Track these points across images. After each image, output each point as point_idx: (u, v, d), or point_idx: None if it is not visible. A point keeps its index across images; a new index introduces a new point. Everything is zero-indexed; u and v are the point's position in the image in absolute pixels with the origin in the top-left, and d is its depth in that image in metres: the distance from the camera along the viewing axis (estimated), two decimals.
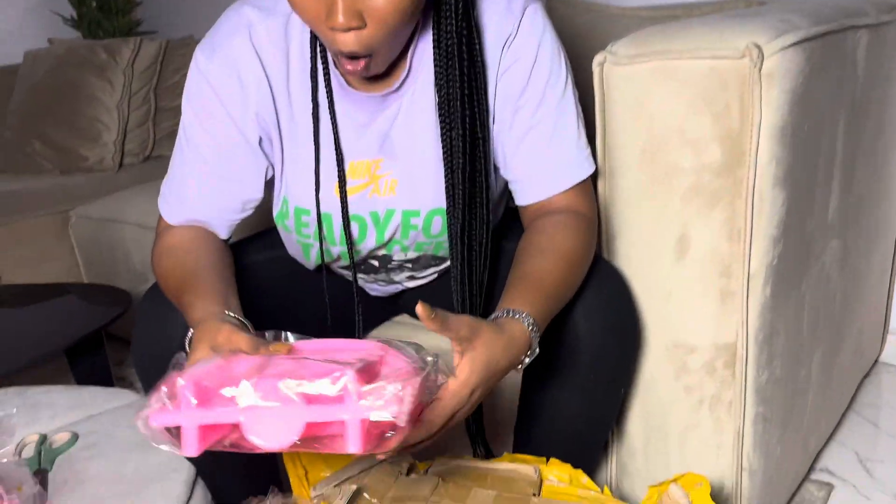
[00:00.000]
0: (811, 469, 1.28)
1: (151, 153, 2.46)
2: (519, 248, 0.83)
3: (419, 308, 0.61)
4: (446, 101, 0.80)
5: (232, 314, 0.74)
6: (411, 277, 1.00)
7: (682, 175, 0.84)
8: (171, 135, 2.48)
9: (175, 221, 0.90)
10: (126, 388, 1.12)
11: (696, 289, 0.88)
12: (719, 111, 0.80)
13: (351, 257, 0.90)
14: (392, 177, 0.87)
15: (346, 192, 0.86)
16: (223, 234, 0.91)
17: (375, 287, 1.03)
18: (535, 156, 0.85)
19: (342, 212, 0.87)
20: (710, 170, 0.83)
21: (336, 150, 0.85)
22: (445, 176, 0.83)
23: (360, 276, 1.00)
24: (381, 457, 0.64)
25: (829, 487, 1.24)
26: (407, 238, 0.91)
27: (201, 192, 0.88)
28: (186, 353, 0.70)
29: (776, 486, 1.07)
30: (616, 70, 0.86)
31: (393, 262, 0.95)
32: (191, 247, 0.87)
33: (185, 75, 0.90)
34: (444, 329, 0.63)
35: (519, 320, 0.71)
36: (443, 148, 0.82)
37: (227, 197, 0.88)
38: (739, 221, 0.83)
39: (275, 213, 0.93)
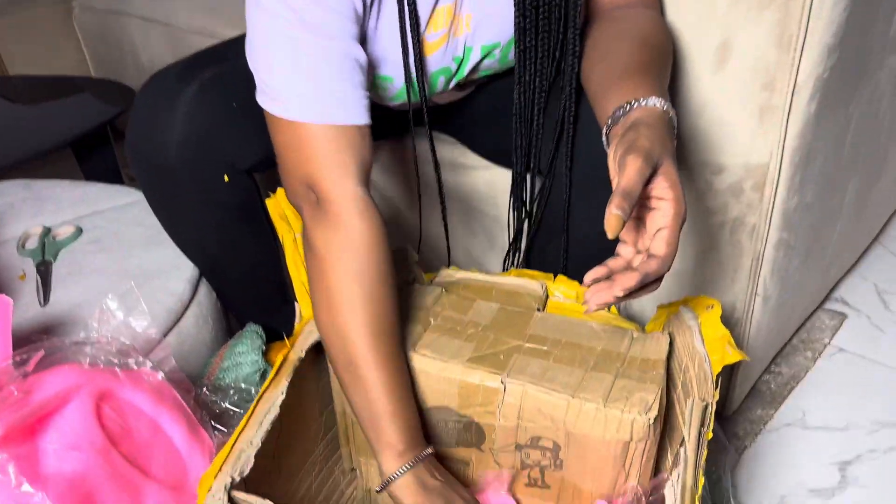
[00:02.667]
0: (826, 298, 1.26)
1: None
2: (607, 37, 0.76)
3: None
4: None
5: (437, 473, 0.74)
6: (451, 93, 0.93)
7: None
8: None
9: (308, 118, 0.73)
10: (136, 187, 1.08)
11: (735, 102, 0.80)
12: None
13: (423, 103, 0.83)
14: (466, 12, 0.78)
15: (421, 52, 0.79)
16: (365, 120, 0.76)
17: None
18: None
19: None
20: None
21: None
22: None
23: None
24: (593, 307, 0.61)
25: (842, 317, 1.22)
26: (481, 67, 0.85)
27: (332, 72, 0.73)
28: None
29: (788, 313, 1.05)
30: None
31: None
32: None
33: None
34: (636, 190, 0.57)
35: (657, 106, 0.65)
36: None
37: (356, 69, 0.74)
38: (793, 26, 0.74)
39: None
